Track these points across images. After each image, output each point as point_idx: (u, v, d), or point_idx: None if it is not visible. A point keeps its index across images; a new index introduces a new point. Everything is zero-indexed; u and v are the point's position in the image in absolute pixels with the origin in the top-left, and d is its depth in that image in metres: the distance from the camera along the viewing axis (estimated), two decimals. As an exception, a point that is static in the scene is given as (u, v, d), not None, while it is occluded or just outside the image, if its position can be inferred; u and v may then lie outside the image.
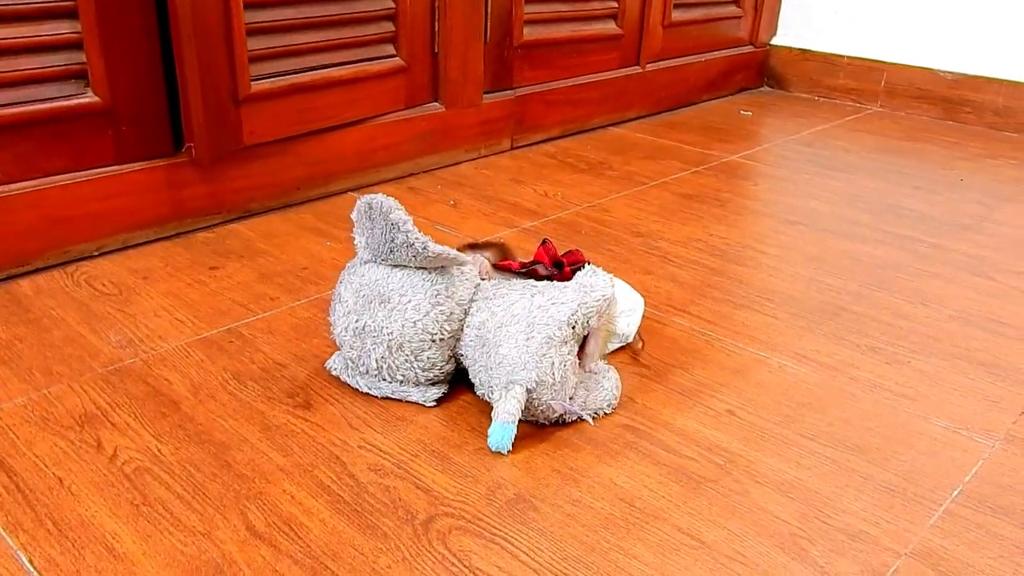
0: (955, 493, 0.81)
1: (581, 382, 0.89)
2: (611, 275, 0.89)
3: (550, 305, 0.85)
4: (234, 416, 0.89)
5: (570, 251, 1.02)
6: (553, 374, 0.82)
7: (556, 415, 0.85)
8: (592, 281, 0.86)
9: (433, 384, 0.91)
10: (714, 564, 0.71)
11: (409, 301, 0.88)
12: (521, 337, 0.83)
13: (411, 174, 1.65)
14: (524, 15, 1.75)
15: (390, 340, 0.88)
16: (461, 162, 1.74)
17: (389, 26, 1.52)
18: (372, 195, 0.88)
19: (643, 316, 1.05)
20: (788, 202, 1.59)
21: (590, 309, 0.85)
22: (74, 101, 1.18)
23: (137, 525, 0.73)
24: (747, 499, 0.79)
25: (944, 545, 0.74)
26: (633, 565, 0.71)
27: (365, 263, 0.92)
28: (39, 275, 1.19)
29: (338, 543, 0.72)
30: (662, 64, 2.15)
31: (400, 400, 0.91)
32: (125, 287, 1.17)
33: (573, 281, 0.88)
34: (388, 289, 0.89)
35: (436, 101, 1.66)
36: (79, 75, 1.18)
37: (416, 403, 0.91)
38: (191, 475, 0.80)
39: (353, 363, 0.92)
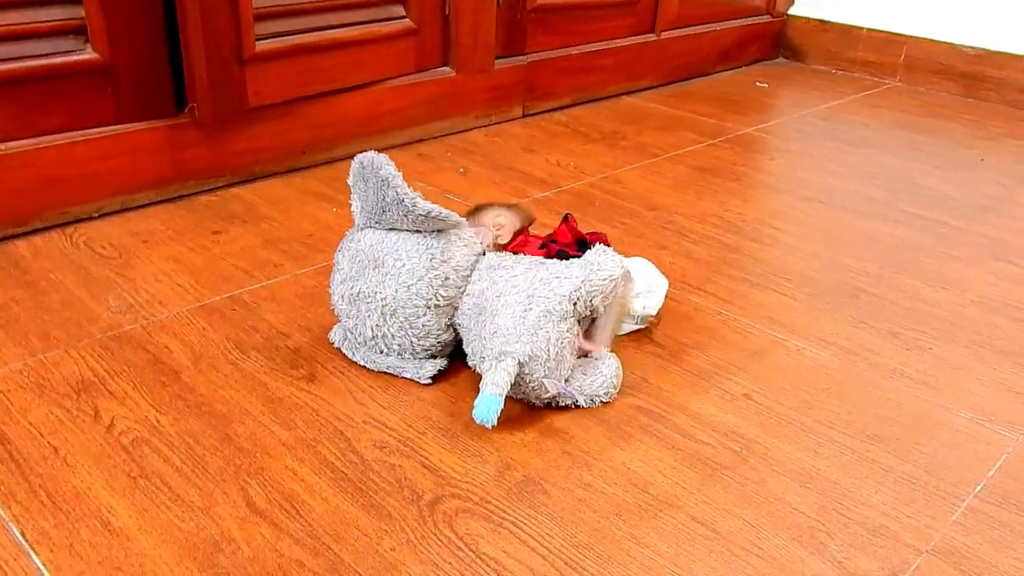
0: (978, 488, 0.78)
1: (579, 366, 0.85)
2: (638, 257, 0.86)
3: (552, 279, 0.82)
4: (235, 387, 0.86)
5: (594, 232, 0.99)
6: (548, 350, 0.79)
7: (548, 395, 0.82)
8: (601, 260, 0.83)
9: (431, 357, 0.88)
10: (729, 556, 0.69)
11: (403, 265, 0.85)
12: (519, 308, 0.80)
13: (420, 140, 1.61)
14: (539, -22, 1.69)
15: (384, 306, 0.85)
16: (471, 129, 1.69)
17: (400, -14, 1.47)
18: (368, 153, 0.85)
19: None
20: (804, 177, 1.55)
21: (594, 288, 0.81)
22: (72, 57, 1.14)
23: (134, 498, 0.71)
24: (764, 488, 0.76)
25: (967, 543, 0.72)
26: (645, 554, 0.68)
27: (361, 229, 0.89)
28: (37, 236, 1.16)
29: (341, 523, 0.70)
30: (677, 32, 2.09)
31: (410, 376, 0.89)
32: (125, 250, 1.13)
33: (582, 259, 0.84)
34: (382, 253, 0.86)
35: (446, 65, 1.62)
36: (78, 31, 1.14)
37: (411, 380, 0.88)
38: (191, 448, 0.77)
39: (351, 334, 0.90)
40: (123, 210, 1.25)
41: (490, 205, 1.00)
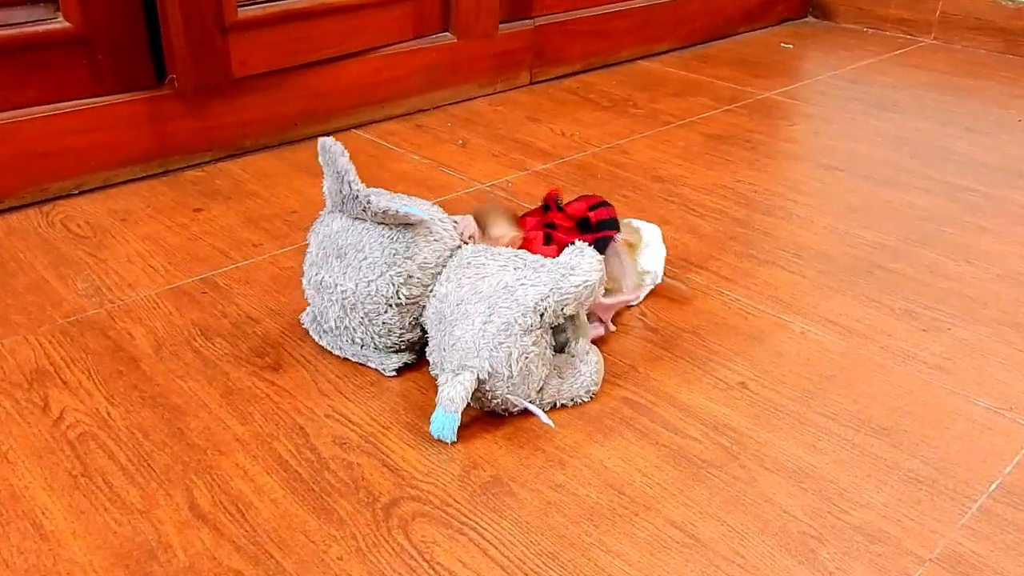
0: (992, 487, 0.71)
1: (555, 367, 0.79)
2: (634, 228, 0.80)
3: (518, 286, 0.74)
4: (195, 377, 0.82)
5: (599, 204, 0.92)
6: (510, 366, 0.73)
7: (518, 409, 0.76)
8: (575, 262, 0.74)
9: (396, 351, 0.83)
10: (707, 565, 0.63)
11: (365, 258, 0.79)
12: (479, 319, 0.74)
13: (420, 110, 1.54)
14: (545, -64, 1.61)
15: (344, 299, 0.80)
16: (475, 97, 1.62)
17: (394, -53, 1.40)
18: (327, 138, 0.79)
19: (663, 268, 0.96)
20: (826, 144, 1.46)
21: (565, 296, 0.73)
22: (43, 27, 1.09)
23: (72, 499, 0.67)
24: (753, 488, 0.70)
25: (975, 550, 0.65)
26: (614, 565, 0.63)
27: (330, 213, 0.84)
28: (13, 214, 1.12)
29: (287, 528, 0.65)
30: (697, -8, 1.99)
31: (375, 367, 0.83)
32: (101, 229, 1.09)
33: (555, 261, 0.76)
34: (345, 243, 0.80)
35: (447, 31, 1.55)
36: (48, -1, 1.09)
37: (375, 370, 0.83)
38: (139, 443, 0.73)
39: (319, 318, 0.85)
40: (105, 186, 1.21)
41: (495, 212, 0.92)
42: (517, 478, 0.70)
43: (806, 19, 2.35)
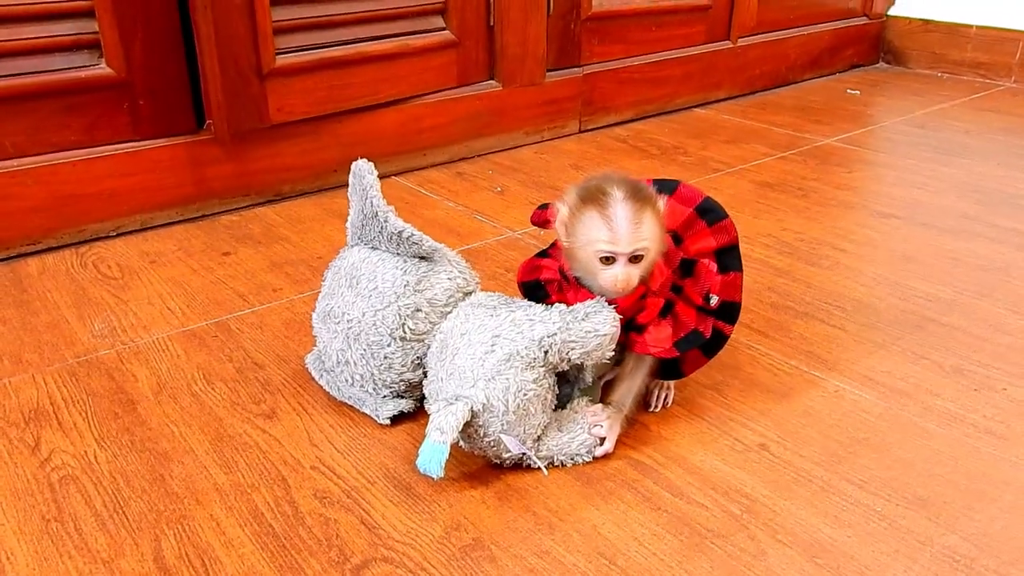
0: (1040, 573, 0.63)
1: (555, 420, 0.74)
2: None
3: (526, 320, 0.71)
4: (189, 422, 0.80)
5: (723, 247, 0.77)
6: (507, 400, 0.68)
7: (509, 455, 0.71)
8: (592, 311, 0.70)
9: (394, 396, 0.79)
10: (698, 650, 0.56)
11: (376, 287, 0.77)
12: (480, 349, 0.70)
13: (463, 158, 1.53)
14: (593, -17, 1.59)
15: (349, 328, 0.77)
16: (521, 146, 1.60)
17: (437, -4, 1.40)
18: (362, 160, 0.79)
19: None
20: (885, 192, 1.38)
21: (573, 338, 0.69)
22: (85, 72, 1.12)
23: (39, 545, 0.65)
24: (760, 563, 0.63)
25: (1014, 647, 0.57)
26: (593, 643, 0.57)
27: (352, 246, 0.82)
28: (50, 254, 1.15)
29: (249, 586, 0.61)
30: (756, 38, 1.94)
31: (368, 412, 0.80)
32: (129, 270, 1.10)
33: (572, 307, 0.72)
34: (361, 272, 0.79)
35: (492, 79, 1.54)
36: (91, 45, 1.12)
37: (370, 416, 0.80)
38: (118, 489, 0.71)
39: (322, 356, 0.83)
40: (143, 229, 1.22)
41: (643, 189, 0.70)
42: (501, 542, 0.65)
43: (878, 65, 2.26)
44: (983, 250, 1.15)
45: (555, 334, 0.70)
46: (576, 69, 1.64)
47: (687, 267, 0.76)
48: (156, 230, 1.23)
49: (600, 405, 0.76)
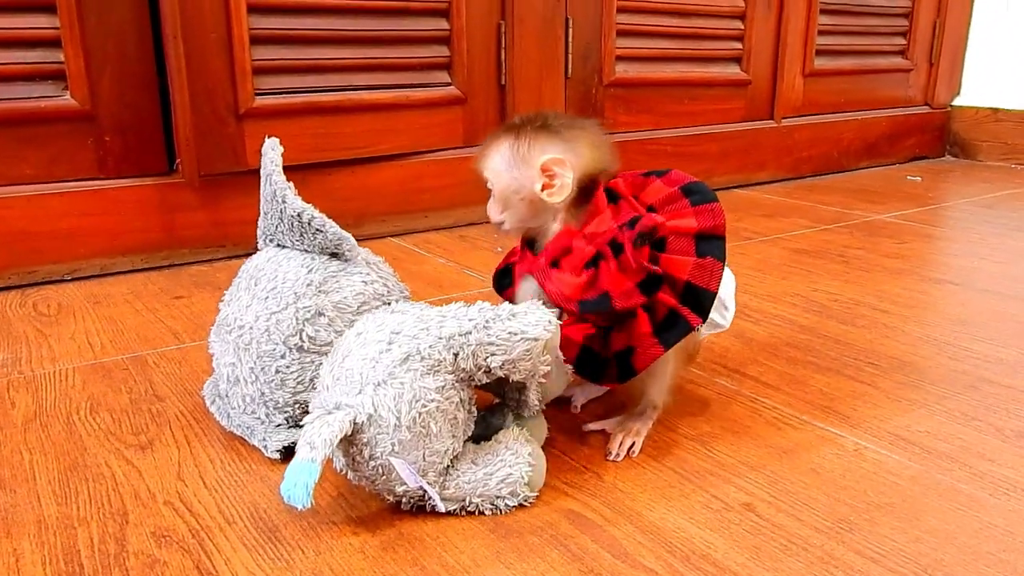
0: None
1: (468, 453, 0.58)
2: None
3: (436, 317, 0.57)
4: (46, 451, 0.66)
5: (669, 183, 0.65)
6: (398, 410, 0.53)
7: (403, 489, 0.55)
8: (523, 311, 0.56)
9: (288, 426, 0.64)
10: None
11: (274, 288, 0.64)
12: (375, 349, 0.55)
13: (470, 223, 1.41)
14: (615, 50, 1.50)
15: (239, 336, 0.64)
16: (536, 214, 1.48)
17: (442, 50, 1.32)
18: (272, 139, 0.68)
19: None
20: (940, 260, 1.20)
21: (493, 339, 0.55)
22: (46, 103, 1.06)
23: None
24: (715, 647, 0.45)
25: None
26: None
27: (262, 249, 0.70)
28: (-7, 295, 1.05)
29: (10, 636, 0.46)
30: (804, 119, 1.81)
31: (256, 444, 0.65)
32: (67, 310, 1.00)
33: (500, 306, 0.58)
34: (261, 272, 0.66)
35: (504, 141, 1.43)
36: (56, 75, 1.06)
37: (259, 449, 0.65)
38: (-80, 517, 0.57)
39: (216, 380, 0.69)
40: (101, 275, 1.12)
41: (535, 124, 0.64)
42: (365, 601, 0.48)
43: (944, 158, 2.10)
44: (1058, 314, 0.96)
45: (469, 332, 0.55)
46: (599, 138, 1.53)
47: (660, 244, 0.63)
48: (116, 276, 1.13)
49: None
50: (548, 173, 0.62)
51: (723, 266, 0.62)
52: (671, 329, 0.61)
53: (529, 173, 0.63)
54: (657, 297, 0.61)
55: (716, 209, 0.63)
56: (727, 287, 0.69)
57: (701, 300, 0.61)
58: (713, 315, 0.65)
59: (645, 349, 0.62)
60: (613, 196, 0.65)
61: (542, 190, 0.63)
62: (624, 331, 0.63)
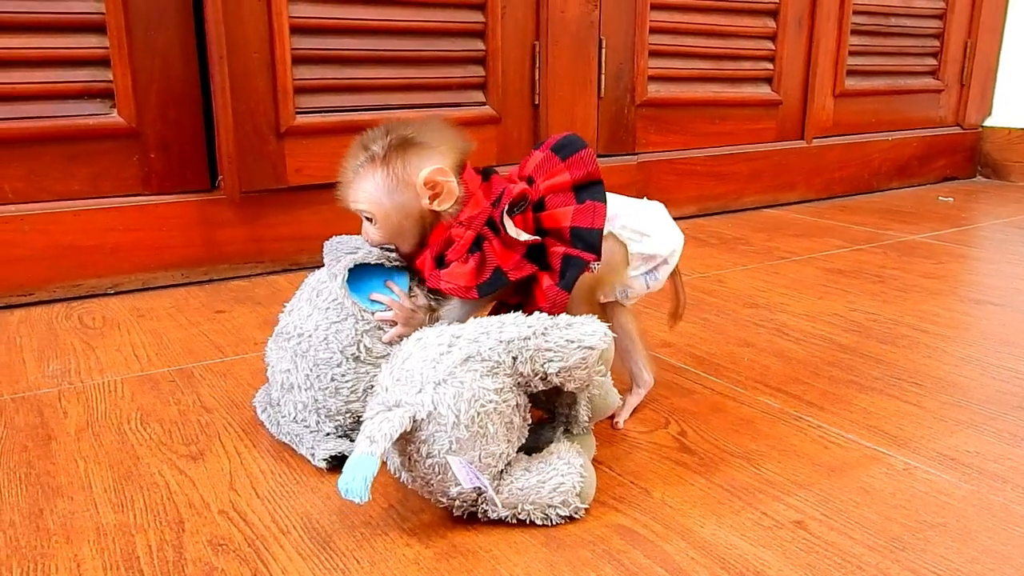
0: None
1: (521, 461, 0.59)
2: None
3: (496, 323, 0.58)
4: (100, 459, 0.67)
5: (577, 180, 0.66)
6: (457, 408, 0.54)
7: (458, 489, 0.55)
8: (581, 321, 0.58)
9: (337, 435, 0.66)
10: None
11: (336, 299, 0.65)
12: (435, 351, 0.56)
13: (503, 240, 1.42)
14: (648, 69, 1.51)
15: (298, 343, 0.66)
16: (568, 233, 1.49)
17: (478, 70, 1.34)
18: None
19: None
20: (979, 281, 1.19)
21: (551, 346, 0.56)
22: (94, 120, 1.08)
23: None
24: (776, 663, 0.45)
25: None
26: None
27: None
28: (39, 307, 1.07)
29: (77, 640, 0.46)
30: (834, 140, 1.81)
31: (304, 453, 0.66)
32: (111, 323, 1.01)
33: (557, 316, 0.59)
34: (323, 284, 0.69)
35: (538, 159, 1.44)
36: (104, 94, 1.08)
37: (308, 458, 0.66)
38: (-18, 523, 0.58)
39: (268, 389, 0.70)
40: (143, 289, 1.14)
41: (395, 144, 0.65)
42: (422, 611, 0.49)
43: (975, 179, 2.09)
44: (1102, 335, 0.95)
45: (528, 337, 0.56)
46: (630, 157, 1.54)
47: (538, 205, 0.65)
48: (156, 291, 1.14)
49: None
50: (431, 185, 0.63)
51: (604, 206, 0.64)
52: (570, 269, 0.63)
53: (413, 193, 0.64)
54: (549, 251, 0.64)
55: (587, 156, 0.66)
56: (641, 217, 0.70)
57: (588, 239, 0.63)
58: (638, 247, 0.69)
59: (552, 299, 0.63)
60: (486, 173, 0.67)
61: (431, 201, 0.64)
62: (532, 297, 0.65)
